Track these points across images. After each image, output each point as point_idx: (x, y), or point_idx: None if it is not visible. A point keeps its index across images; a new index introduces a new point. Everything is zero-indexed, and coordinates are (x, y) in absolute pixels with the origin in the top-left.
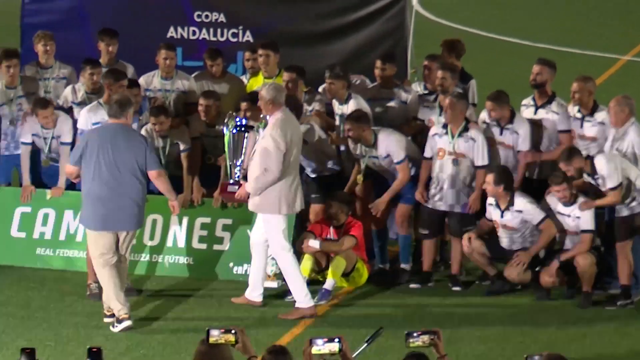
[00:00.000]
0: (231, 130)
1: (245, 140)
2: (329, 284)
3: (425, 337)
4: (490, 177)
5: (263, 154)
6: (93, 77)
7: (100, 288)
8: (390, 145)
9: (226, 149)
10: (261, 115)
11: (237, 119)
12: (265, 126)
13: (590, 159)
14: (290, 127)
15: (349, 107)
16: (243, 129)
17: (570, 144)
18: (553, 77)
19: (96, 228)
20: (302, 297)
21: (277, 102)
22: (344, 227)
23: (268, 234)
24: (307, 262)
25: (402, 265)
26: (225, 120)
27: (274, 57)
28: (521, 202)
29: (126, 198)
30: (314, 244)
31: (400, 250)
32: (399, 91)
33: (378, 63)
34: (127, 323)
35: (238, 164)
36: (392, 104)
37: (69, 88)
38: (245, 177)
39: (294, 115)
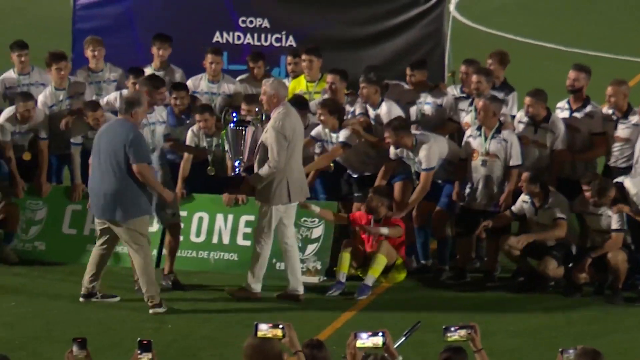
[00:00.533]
0: (229, 125)
1: (243, 134)
2: (369, 279)
3: (463, 332)
4: (525, 176)
5: (267, 147)
6: (135, 86)
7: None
8: (423, 153)
9: (225, 145)
10: (257, 109)
11: (234, 114)
12: (260, 121)
13: (618, 185)
14: (293, 120)
15: (381, 112)
16: (240, 123)
17: (599, 177)
18: (588, 82)
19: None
20: (254, 283)
21: (280, 97)
22: (383, 221)
23: (262, 221)
24: (346, 258)
25: (442, 266)
26: (222, 116)
27: (317, 62)
28: (555, 200)
29: (103, 189)
30: (383, 230)
31: (439, 254)
32: (430, 94)
33: (407, 70)
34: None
35: (238, 157)
36: (426, 107)
37: (115, 94)
38: (245, 170)
39: (295, 110)
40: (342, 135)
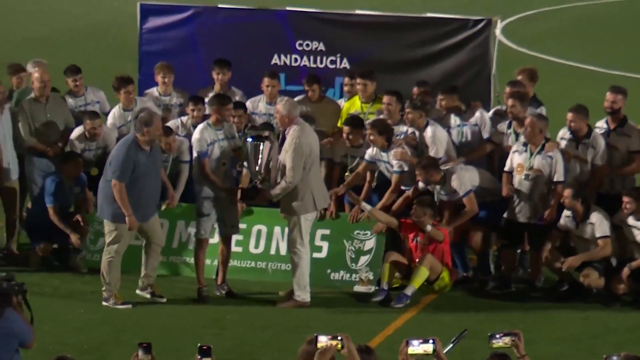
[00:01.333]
0: (247, 139)
1: (261, 149)
2: (409, 289)
3: (507, 339)
4: (568, 192)
5: (284, 163)
6: (194, 112)
7: (208, 292)
8: (455, 182)
9: (245, 158)
10: (280, 127)
11: (249, 128)
12: (277, 137)
13: None
14: (308, 136)
15: (427, 134)
16: (258, 139)
17: None
18: (625, 103)
19: None
20: (303, 294)
21: (292, 116)
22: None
23: (292, 232)
24: (386, 269)
25: (485, 277)
26: (242, 131)
27: (370, 85)
28: (596, 215)
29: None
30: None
31: (480, 266)
32: (461, 118)
33: (439, 95)
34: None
35: (255, 171)
36: (465, 129)
37: (176, 121)
38: (261, 182)
39: (309, 125)
40: (395, 165)
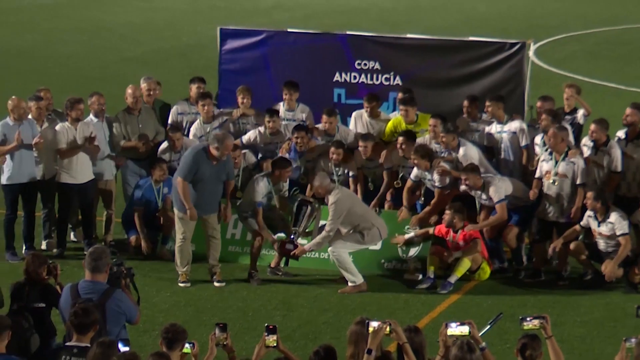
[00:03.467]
0: (295, 202)
1: (303, 210)
2: (452, 278)
3: (536, 321)
4: (590, 194)
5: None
6: (270, 124)
7: (257, 275)
8: (492, 190)
9: (289, 213)
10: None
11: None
12: (318, 204)
13: None
14: (344, 197)
15: (460, 154)
16: (303, 203)
17: None
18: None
19: None
20: (356, 278)
21: (325, 186)
22: (461, 233)
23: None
24: (432, 259)
25: (519, 267)
26: (290, 194)
27: (411, 111)
28: (615, 215)
29: None
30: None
31: (514, 258)
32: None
33: (486, 101)
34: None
35: (295, 229)
36: (504, 135)
37: (254, 132)
38: (298, 237)
39: (344, 188)
40: (437, 181)
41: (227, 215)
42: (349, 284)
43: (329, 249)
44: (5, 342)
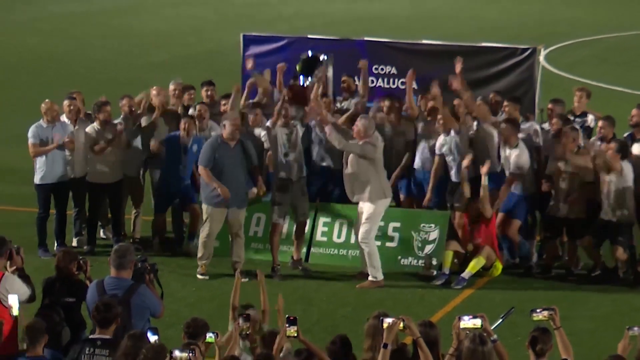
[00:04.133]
0: None
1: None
2: (466, 274)
3: (545, 313)
4: (613, 145)
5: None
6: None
7: (280, 270)
8: (514, 155)
9: None
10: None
11: None
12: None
13: None
14: (377, 151)
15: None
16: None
17: None
18: None
19: None
20: (377, 274)
21: (369, 132)
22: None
23: (366, 224)
24: (449, 255)
25: (529, 264)
26: None
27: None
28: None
29: None
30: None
31: (520, 254)
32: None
33: (505, 102)
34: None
35: None
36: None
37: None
38: None
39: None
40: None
41: (261, 188)
42: (370, 278)
43: (360, 240)
44: (42, 345)
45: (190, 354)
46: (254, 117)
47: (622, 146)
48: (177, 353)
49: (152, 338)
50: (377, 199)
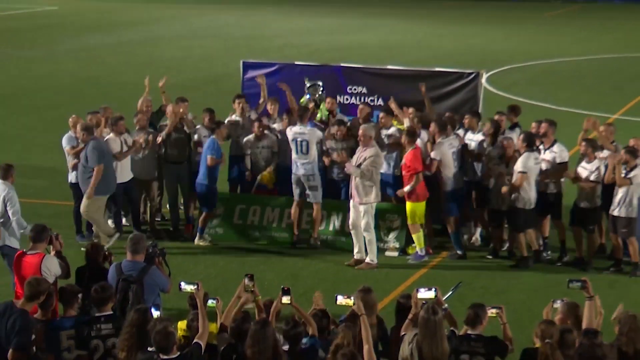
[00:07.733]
0: None
1: None
2: (420, 250)
3: (579, 284)
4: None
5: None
6: (283, 122)
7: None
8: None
9: None
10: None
11: None
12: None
13: None
14: (380, 159)
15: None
16: None
17: None
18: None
19: None
20: (375, 258)
21: (372, 137)
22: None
23: (367, 217)
24: (420, 238)
25: (458, 252)
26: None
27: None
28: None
29: None
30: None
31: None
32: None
33: (466, 115)
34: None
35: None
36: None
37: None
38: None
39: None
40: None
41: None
42: (367, 260)
43: (364, 230)
44: (75, 307)
45: (195, 287)
46: (258, 124)
47: (527, 136)
48: (184, 285)
49: (155, 313)
50: (377, 198)
